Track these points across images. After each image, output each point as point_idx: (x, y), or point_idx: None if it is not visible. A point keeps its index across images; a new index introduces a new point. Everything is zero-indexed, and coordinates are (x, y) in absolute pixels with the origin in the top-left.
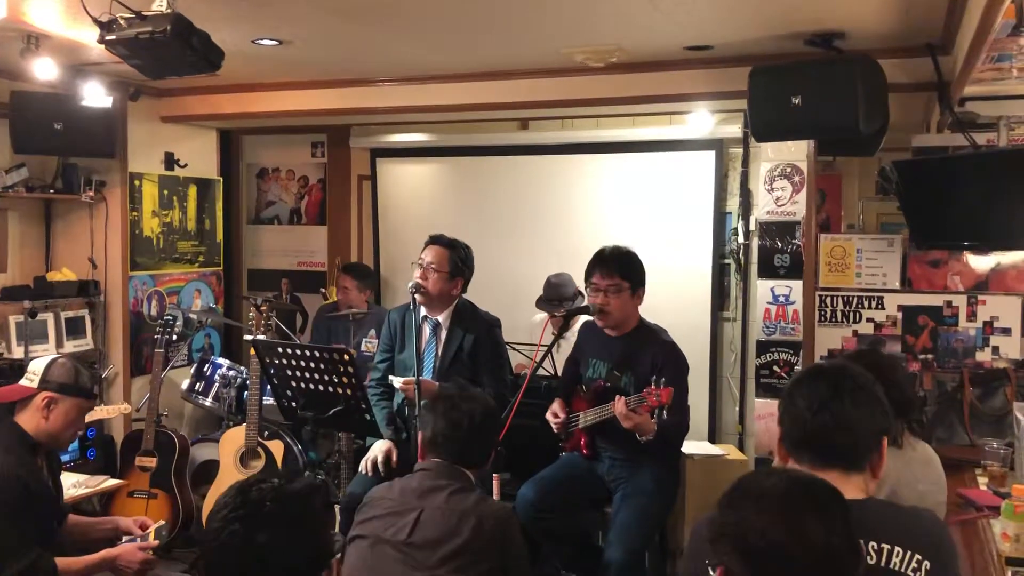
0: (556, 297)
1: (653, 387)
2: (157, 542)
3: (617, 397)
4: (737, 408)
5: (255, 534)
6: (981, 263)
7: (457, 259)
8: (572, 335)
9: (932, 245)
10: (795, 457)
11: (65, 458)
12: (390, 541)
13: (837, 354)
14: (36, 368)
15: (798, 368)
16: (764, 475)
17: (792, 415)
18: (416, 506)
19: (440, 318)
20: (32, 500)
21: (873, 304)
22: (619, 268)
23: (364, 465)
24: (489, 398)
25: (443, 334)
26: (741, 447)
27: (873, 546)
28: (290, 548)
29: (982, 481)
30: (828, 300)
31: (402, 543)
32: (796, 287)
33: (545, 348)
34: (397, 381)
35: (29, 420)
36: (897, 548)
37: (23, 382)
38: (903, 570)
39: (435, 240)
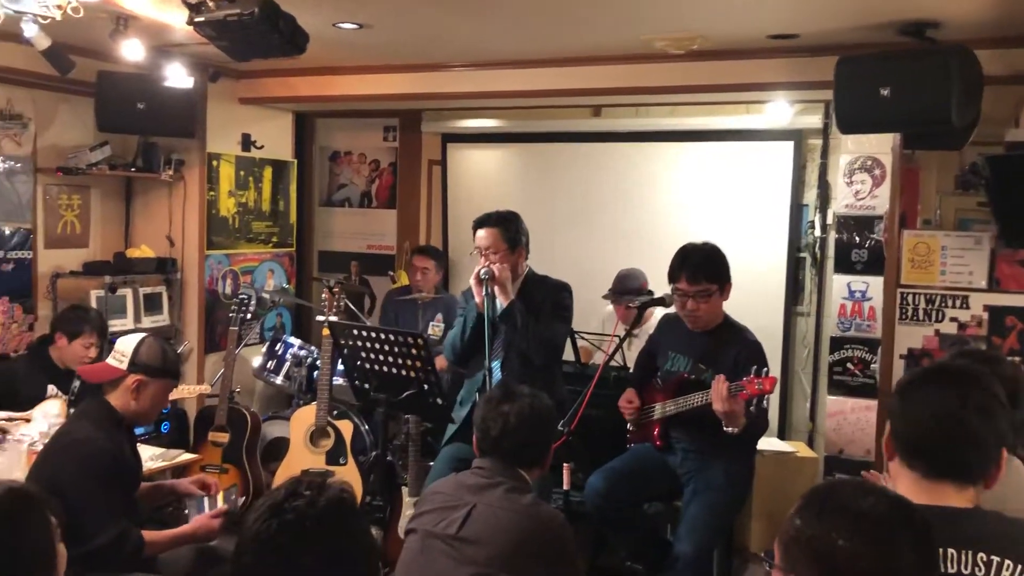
0: (622, 290)
1: (754, 376)
2: (227, 506)
3: (718, 377)
4: (808, 405)
5: (300, 558)
6: None
7: (510, 233)
8: (646, 329)
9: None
10: (906, 462)
11: (139, 431)
12: (440, 535)
13: (919, 352)
14: (124, 349)
15: (874, 367)
16: (861, 491)
17: (912, 419)
18: (469, 501)
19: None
20: (120, 474)
21: (957, 303)
22: (706, 273)
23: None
24: (545, 396)
25: None
26: (811, 444)
27: (982, 557)
28: (340, 565)
29: None
30: (910, 298)
31: (451, 537)
32: (873, 283)
33: (618, 339)
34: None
35: (118, 399)
36: (1008, 561)
37: (111, 361)
38: None
39: (482, 223)
